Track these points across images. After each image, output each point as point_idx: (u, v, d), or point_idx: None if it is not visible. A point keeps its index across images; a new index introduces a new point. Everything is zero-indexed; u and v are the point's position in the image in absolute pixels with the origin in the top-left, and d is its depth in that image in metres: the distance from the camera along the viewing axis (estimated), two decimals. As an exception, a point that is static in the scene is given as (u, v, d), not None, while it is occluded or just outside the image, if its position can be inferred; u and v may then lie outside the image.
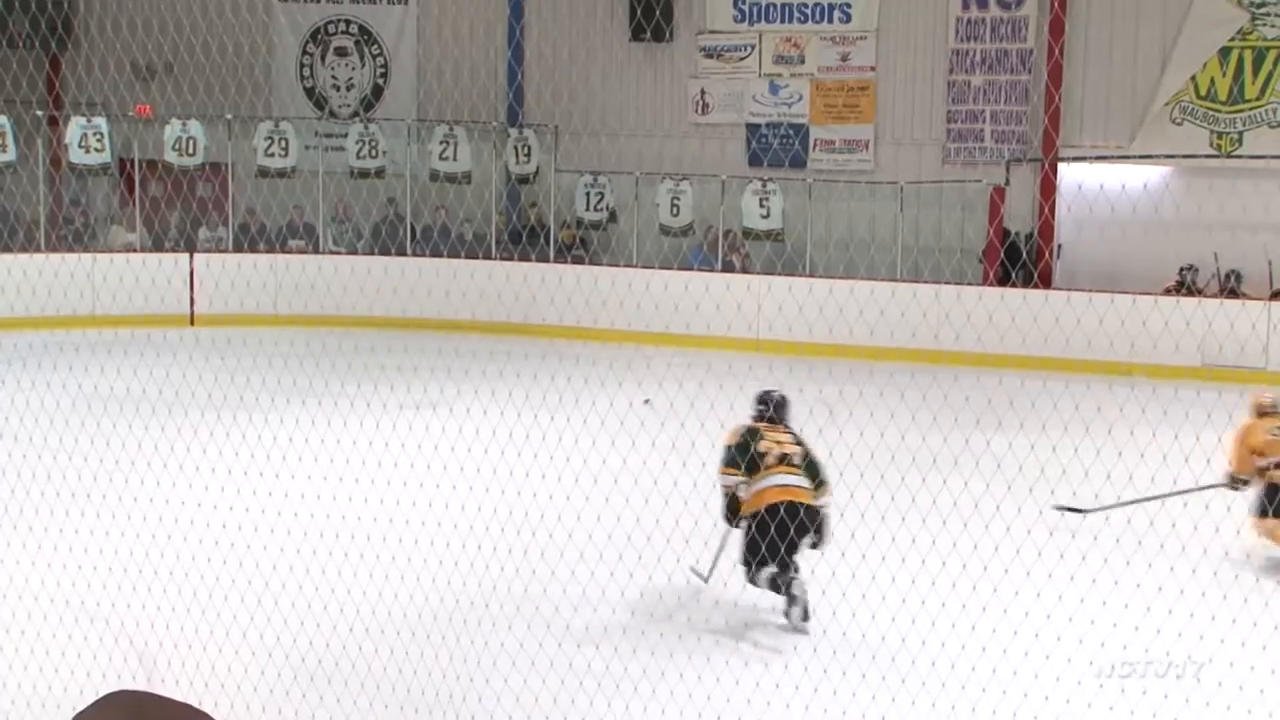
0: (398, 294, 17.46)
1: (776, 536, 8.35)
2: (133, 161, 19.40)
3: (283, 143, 19.90)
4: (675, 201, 19.34)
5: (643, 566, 8.70)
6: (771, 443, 8.83)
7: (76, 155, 19.11)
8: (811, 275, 18.06)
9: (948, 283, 17.21)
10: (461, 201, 19.79)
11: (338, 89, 22.06)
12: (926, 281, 17.49)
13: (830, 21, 20.16)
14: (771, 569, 8.41)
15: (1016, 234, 18.83)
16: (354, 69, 22.03)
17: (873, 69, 19.99)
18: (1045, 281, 18.14)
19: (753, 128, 20.55)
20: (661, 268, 18.49)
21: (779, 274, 17.93)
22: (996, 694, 7.41)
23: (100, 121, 19.20)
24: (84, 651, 7.60)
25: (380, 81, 21.92)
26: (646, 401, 13.24)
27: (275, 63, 21.79)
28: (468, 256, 19.10)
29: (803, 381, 15.33)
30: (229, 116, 19.55)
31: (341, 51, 21.98)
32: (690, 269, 18.63)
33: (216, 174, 19.96)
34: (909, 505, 9.84)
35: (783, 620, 8.40)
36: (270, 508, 10.12)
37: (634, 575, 8.56)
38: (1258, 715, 7.42)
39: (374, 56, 21.89)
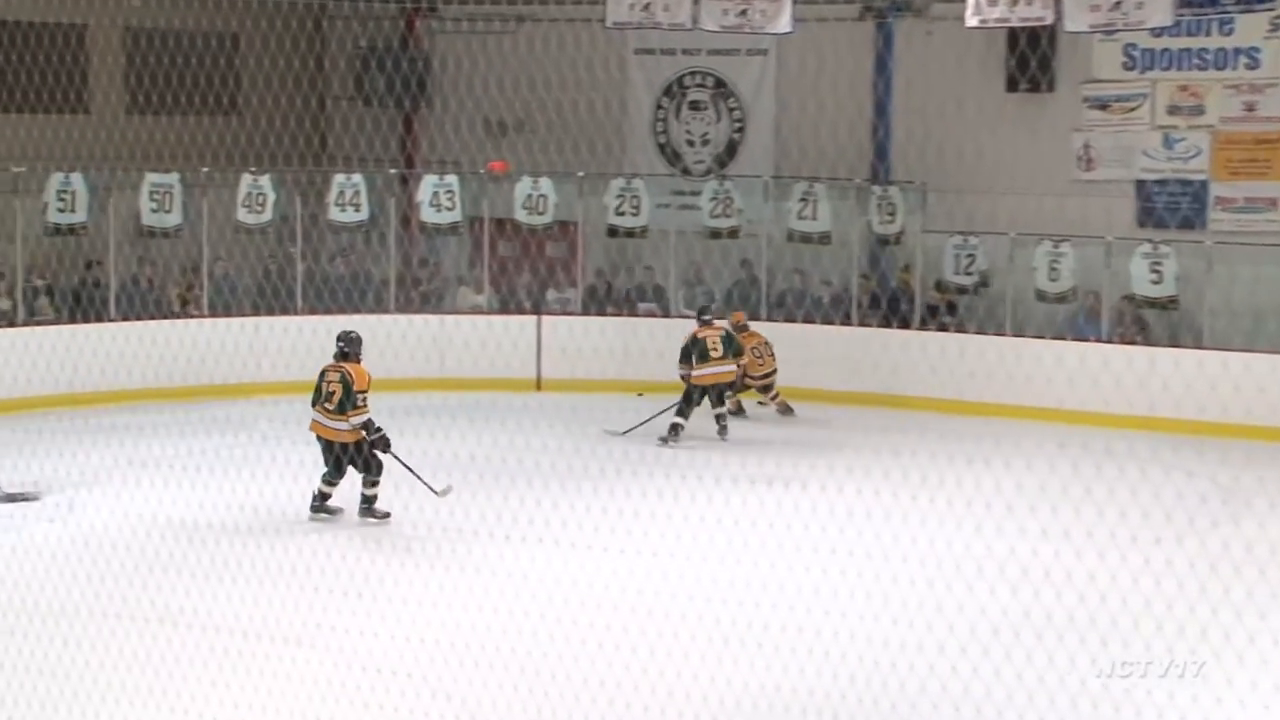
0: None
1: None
2: (482, 220, 20.15)
3: (634, 200, 20.34)
4: (1054, 265, 18.96)
5: (1009, 662, 8.55)
6: (326, 382, 12.18)
7: (428, 214, 19.93)
8: (1218, 348, 17.14)
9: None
10: (821, 263, 19.89)
11: (692, 144, 22.47)
12: (1349, 356, 16.58)
13: (1234, 68, 19.49)
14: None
15: None
16: (709, 123, 22.39)
17: (1285, 119, 19.24)
18: None
19: (1142, 185, 20.03)
20: (1055, 339, 18.10)
21: (1185, 345, 17.17)
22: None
23: (452, 179, 19.99)
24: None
25: (736, 136, 22.24)
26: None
27: (628, 118, 22.31)
28: (826, 321, 19.18)
29: (1193, 464, 14.85)
30: (580, 174, 20.16)
31: (697, 105, 22.40)
32: (1085, 339, 18.13)
33: (566, 233, 20.57)
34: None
35: None
36: (614, 584, 10.37)
37: (1000, 671, 8.42)
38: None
39: (730, 110, 22.24)
